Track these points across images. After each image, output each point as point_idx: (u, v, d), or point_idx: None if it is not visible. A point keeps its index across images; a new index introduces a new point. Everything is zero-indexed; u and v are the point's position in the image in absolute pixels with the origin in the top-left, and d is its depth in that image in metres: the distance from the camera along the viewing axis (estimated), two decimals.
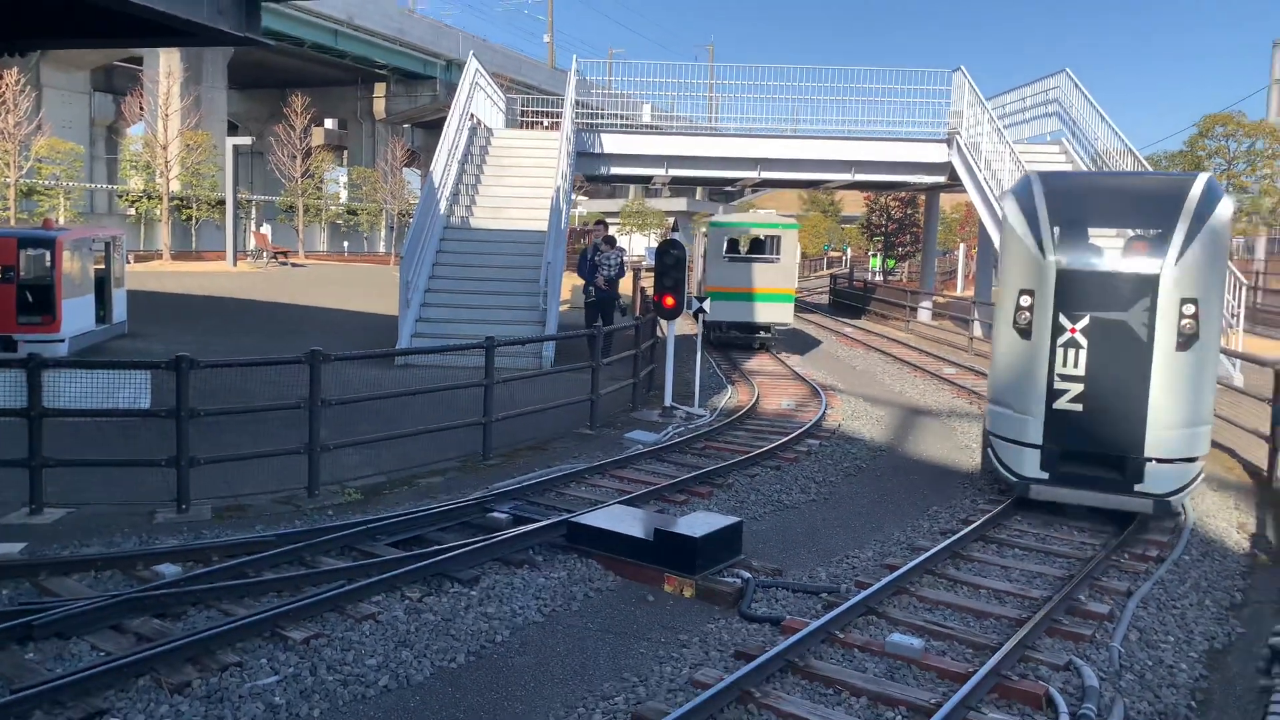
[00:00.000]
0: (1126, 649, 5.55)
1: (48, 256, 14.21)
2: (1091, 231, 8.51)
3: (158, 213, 40.20)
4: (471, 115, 21.05)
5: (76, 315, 14.88)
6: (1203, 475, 8.00)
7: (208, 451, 7.85)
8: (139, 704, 4.47)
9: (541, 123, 24.80)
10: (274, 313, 22.00)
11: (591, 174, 24.65)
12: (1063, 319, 7.81)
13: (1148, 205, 8.54)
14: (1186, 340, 7.50)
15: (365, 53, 53.04)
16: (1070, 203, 8.42)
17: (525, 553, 6.74)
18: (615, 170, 23.87)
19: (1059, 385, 7.84)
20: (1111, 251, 8.25)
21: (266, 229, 44.85)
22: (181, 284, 27.16)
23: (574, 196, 27.40)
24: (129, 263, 24.26)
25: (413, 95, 59.14)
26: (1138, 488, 7.70)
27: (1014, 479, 8.17)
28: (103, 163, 51.90)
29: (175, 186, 40.00)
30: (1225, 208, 7.83)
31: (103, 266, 16.48)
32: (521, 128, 24.53)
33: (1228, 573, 7.10)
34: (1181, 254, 7.48)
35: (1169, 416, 7.59)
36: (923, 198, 35.45)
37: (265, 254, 38.86)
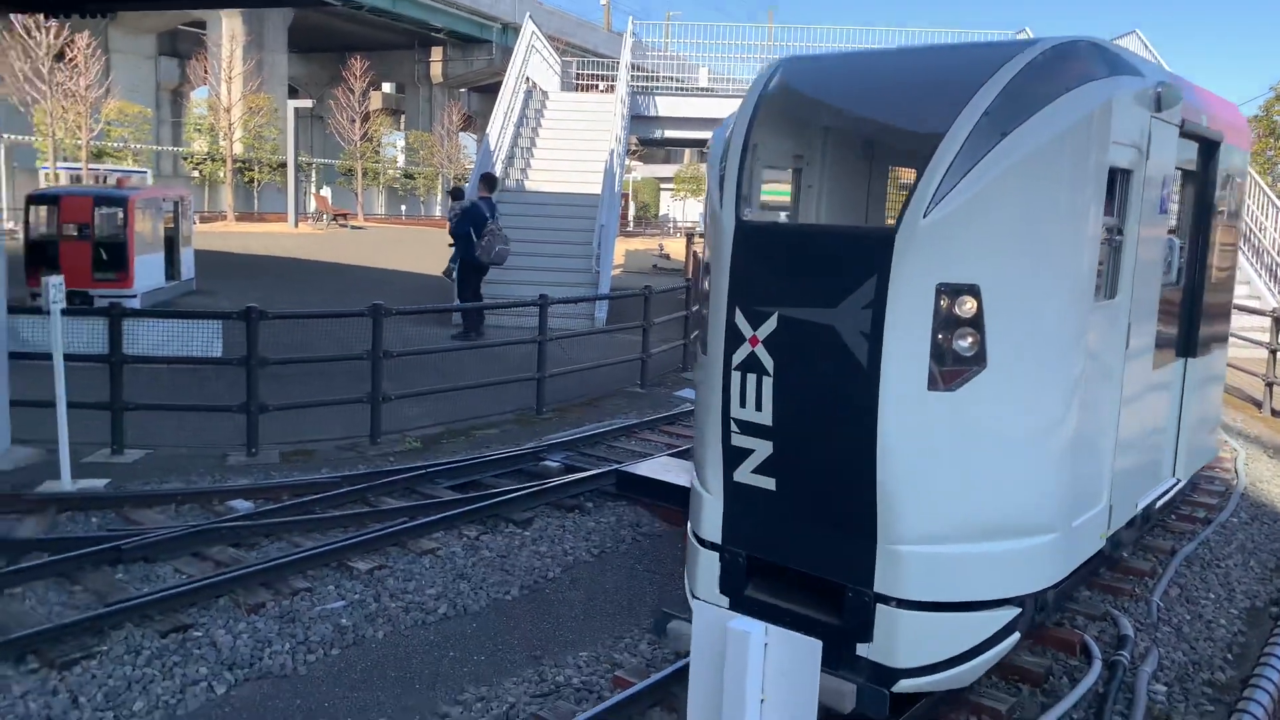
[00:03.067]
0: (1166, 604, 5.63)
1: (120, 215, 14.76)
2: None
3: (221, 175, 41.17)
4: (527, 79, 21.19)
5: (148, 272, 15.45)
6: (1014, 641, 4.02)
7: (276, 399, 8.22)
8: (219, 620, 4.83)
9: (597, 86, 24.89)
10: (334, 272, 22.53)
11: (646, 137, 24.70)
12: (740, 319, 4.07)
13: (915, 107, 4.28)
14: (958, 366, 3.72)
15: (422, 16, 53.28)
16: (800, 108, 4.82)
17: (576, 499, 7.01)
18: (670, 134, 23.88)
19: (737, 439, 4.12)
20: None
21: (326, 192, 45.66)
22: (245, 244, 27.87)
23: (628, 161, 27.53)
24: (195, 223, 24.98)
25: (469, 59, 59.38)
26: (861, 649, 3.87)
27: (692, 599, 4.39)
28: (168, 126, 52.99)
29: (238, 149, 40.86)
30: (1079, 102, 3.82)
31: (172, 226, 17.06)
32: (577, 91, 24.63)
33: (1277, 536, 7.10)
34: (940, 197, 3.66)
35: (923, 516, 3.79)
36: None
37: (325, 216, 39.62)
